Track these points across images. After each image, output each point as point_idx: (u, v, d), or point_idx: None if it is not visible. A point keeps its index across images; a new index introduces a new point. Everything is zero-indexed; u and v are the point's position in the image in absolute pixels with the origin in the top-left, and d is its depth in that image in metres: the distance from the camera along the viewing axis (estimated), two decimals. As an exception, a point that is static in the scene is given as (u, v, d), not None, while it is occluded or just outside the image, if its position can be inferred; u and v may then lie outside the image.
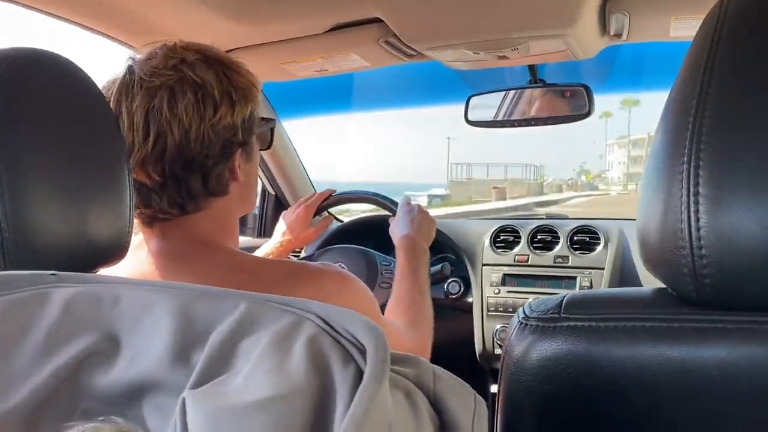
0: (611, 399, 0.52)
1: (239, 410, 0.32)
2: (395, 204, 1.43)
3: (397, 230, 1.28)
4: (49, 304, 0.46)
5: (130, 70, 0.81)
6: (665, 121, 0.52)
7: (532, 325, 0.56)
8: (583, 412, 0.54)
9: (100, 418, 0.39)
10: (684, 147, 0.48)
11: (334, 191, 1.52)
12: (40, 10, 1.08)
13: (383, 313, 1.07)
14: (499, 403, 0.58)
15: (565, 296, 0.57)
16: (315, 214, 1.47)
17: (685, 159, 0.48)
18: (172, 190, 0.81)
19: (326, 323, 0.40)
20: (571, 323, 0.54)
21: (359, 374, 0.35)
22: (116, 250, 0.67)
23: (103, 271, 0.68)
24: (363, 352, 0.37)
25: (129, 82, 0.80)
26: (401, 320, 1.08)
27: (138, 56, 0.83)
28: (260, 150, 0.95)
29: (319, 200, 1.47)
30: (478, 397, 0.41)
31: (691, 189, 0.47)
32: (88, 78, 0.66)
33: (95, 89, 0.66)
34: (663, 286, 0.57)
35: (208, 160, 0.81)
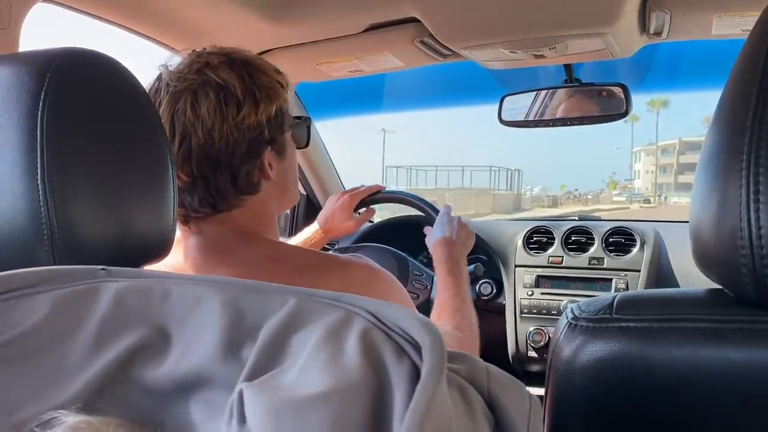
0: (665, 400, 0.51)
1: (299, 404, 0.32)
2: (437, 212, 1.42)
3: (434, 235, 1.27)
4: (100, 299, 0.46)
5: (159, 77, 0.84)
6: (721, 119, 0.51)
7: (582, 326, 0.55)
8: (635, 414, 0.53)
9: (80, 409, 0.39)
10: (743, 145, 0.47)
11: (384, 188, 1.51)
12: (86, 13, 1.10)
13: None
14: (547, 404, 0.57)
15: (616, 296, 0.56)
16: (358, 207, 1.47)
17: (744, 157, 0.47)
18: (202, 190, 0.83)
19: (376, 318, 0.40)
20: (624, 324, 0.53)
21: (415, 370, 0.35)
22: (161, 246, 0.68)
23: (148, 266, 0.68)
24: (416, 347, 0.36)
25: (157, 88, 0.83)
26: (447, 324, 1.07)
27: (170, 63, 0.86)
28: (297, 149, 0.96)
29: (366, 192, 1.46)
30: (533, 396, 0.41)
31: (751, 188, 0.46)
32: (134, 78, 0.66)
33: (141, 90, 0.67)
34: (714, 287, 0.55)
35: (234, 159, 0.82)
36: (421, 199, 1.57)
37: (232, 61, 0.83)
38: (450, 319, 1.10)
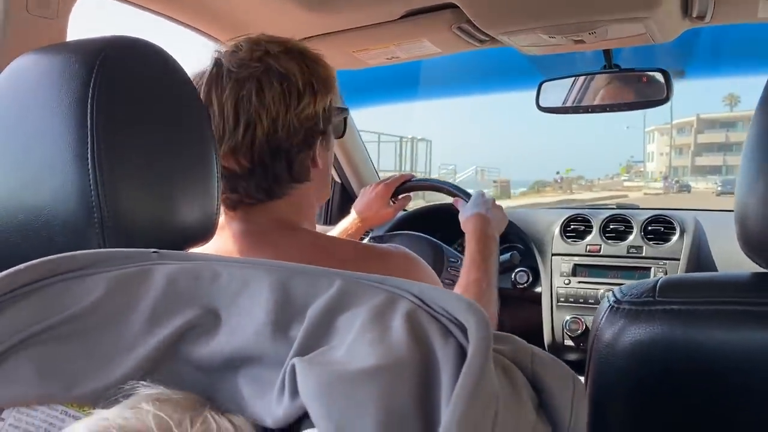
0: (709, 383, 0.51)
1: (349, 378, 0.33)
2: (468, 195, 1.43)
3: (468, 211, 1.28)
4: (152, 280, 0.48)
5: (217, 62, 0.85)
6: (765, 107, 0.50)
7: (624, 309, 0.55)
8: (677, 396, 0.53)
9: (149, 384, 0.41)
10: None
11: (413, 176, 1.52)
12: (131, 3, 1.12)
13: None
14: (588, 387, 0.58)
15: (659, 279, 0.56)
16: (392, 196, 1.48)
17: None
18: (260, 177, 0.85)
19: (421, 300, 0.41)
20: (668, 306, 0.53)
21: (460, 350, 0.35)
22: (205, 231, 0.69)
23: (193, 250, 0.70)
24: (462, 328, 0.37)
25: (218, 74, 0.84)
26: None
27: (224, 49, 0.87)
28: (337, 138, 0.97)
29: (399, 181, 1.47)
30: (577, 377, 0.41)
31: None
32: (180, 67, 0.68)
33: (186, 78, 0.68)
34: (759, 271, 0.55)
35: (293, 147, 0.84)
36: (453, 185, 1.58)
37: (289, 50, 0.85)
38: (476, 300, 1.10)
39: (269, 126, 0.82)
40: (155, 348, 0.44)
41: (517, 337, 0.42)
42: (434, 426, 0.31)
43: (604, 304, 0.58)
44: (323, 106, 0.86)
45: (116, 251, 0.51)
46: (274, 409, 0.39)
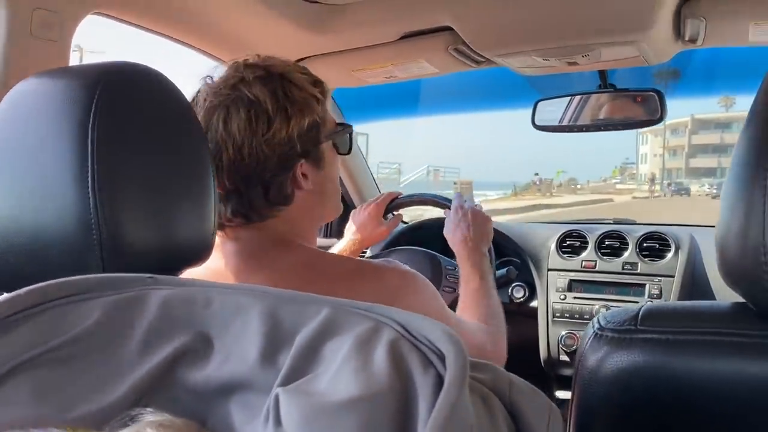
0: (688, 412, 0.52)
1: (330, 409, 0.35)
2: (449, 201, 1.44)
3: (453, 238, 1.28)
4: (147, 305, 0.49)
5: (199, 90, 0.87)
6: (748, 132, 0.51)
7: (607, 336, 0.56)
8: (657, 425, 0.54)
9: (154, 411, 0.42)
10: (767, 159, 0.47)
11: (400, 194, 1.54)
12: (132, 24, 1.14)
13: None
14: (572, 412, 0.59)
15: (641, 307, 0.58)
16: (384, 214, 1.50)
17: None
18: (236, 202, 0.85)
19: (405, 329, 0.42)
20: (648, 335, 0.54)
21: (439, 379, 0.37)
22: (202, 251, 0.71)
23: (188, 271, 0.72)
24: (442, 357, 0.38)
25: (196, 101, 0.86)
26: (472, 320, 1.08)
27: (211, 76, 0.88)
28: (340, 154, 0.96)
29: (388, 199, 1.49)
30: (553, 405, 0.42)
31: None
32: (180, 92, 0.69)
33: (185, 102, 0.70)
34: (741, 299, 0.56)
35: (265, 173, 0.84)
36: (435, 196, 1.62)
37: (269, 75, 0.84)
38: (474, 310, 1.11)
39: (235, 154, 0.82)
40: (149, 372, 0.45)
41: (496, 366, 0.43)
42: None
43: (589, 330, 0.59)
44: (299, 130, 0.84)
45: (113, 277, 0.53)
46: None
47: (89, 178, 0.61)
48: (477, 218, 1.29)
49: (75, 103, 0.62)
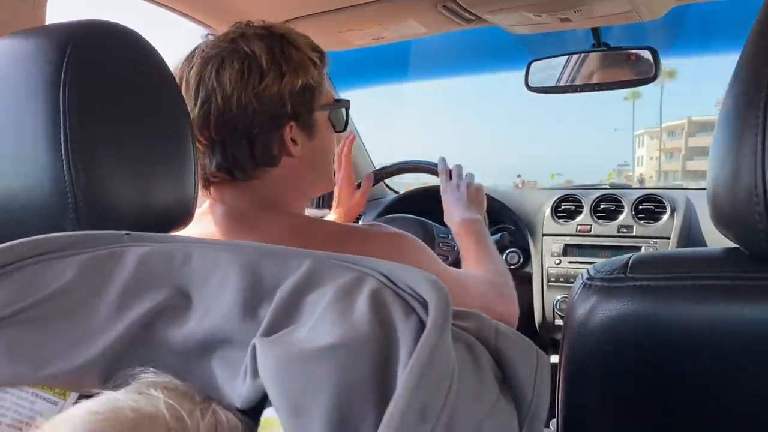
0: (679, 358, 0.51)
1: (307, 356, 0.33)
2: (435, 166, 1.40)
3: (450, 217, 1.24)
4: (123, 262, 0.48)
5: (198, 45, 0.86)
6: (739, 77, 0.50)
7: (596, 286, 0.55)
8: (649, 372, 0.53)
9: (156, 372, 0.41)
10: (759, 101, 0.46)
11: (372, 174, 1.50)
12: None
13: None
14: (562, 364, 0.58)
15: (631, 256, 0.56)
16: (373, 184, 1.47)
17: (760, 113, 0.46)
18: (220, 155, 0.84)
19: (388, 279, 0.41)
20: (638, 283, 0.53)
21: (421, 325, 0.36)
22: (182, 215, 0.69)
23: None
24: (424, 304, 0.37)
25: (192, 54, 0.85)
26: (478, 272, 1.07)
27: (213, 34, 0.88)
28: (336, 132, 0.95)
29: (349, 165, 1.43)
30: (541, 352, 0.41)
31: (766, 146, 0.45)
32: (154, 50, 0.67)
33: (160, 60, 0.68)
34: (733, 245, 0.55)
35: (252, 127, 0.83)
36: (419, 161, 1.61)
37: (270, 34, 0.84)
38: (482, 269, 1.08)
39: (224, 104, 0.81)
40: (126, 330, 0.44)
41: (482, 314, 0.42)
42: (389, 399, 0.32)
43: (578, 282, 0.58)
44: (291, 88, 0.84)
45: (88, 234, 0.51)
46: (240, 389, 0.39)
47: (62, 141, 0.59)
48: (471, 191, 1.26)
49: (45, 63, 0.60)
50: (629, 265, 0.55)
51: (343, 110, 0.96)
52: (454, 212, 1.22)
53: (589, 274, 0.58)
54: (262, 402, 0.38)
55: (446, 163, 1.31)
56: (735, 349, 0.50)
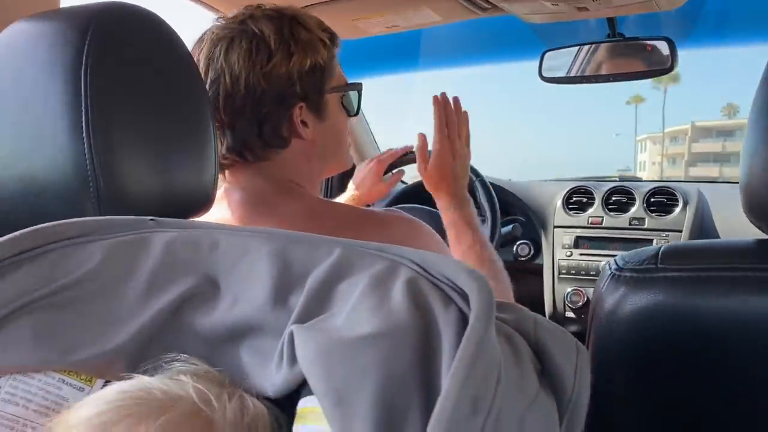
0: (711, 349, 0.51)
1: (349, 344, 0.33)
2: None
3: (436, 186, 1.10)
4: (150, 248, 0.47)
5: (209, 27, 0.85)
6: None
7: (626, 276, 0.54)
8: (679, 363, 0.52)
9: (194, 361, 0.41)
10: None
11: (411, 148, 1.48)
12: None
13: None
14: (588, 353, 0.57)
15: (661, 247, 0.56)
16: (386, 171, 1.46)
17: None
18: (230, 137, 0.84)
19: (422, 268, 0.40)
20: (670, 273, 0.52)
21: (462, 317, 0.35)
22: (203, 200, 0.68)
23: (192, 219, 0.69)
24: (463, 296, 0.36)
25: (203, 35, 0.85)
26: None
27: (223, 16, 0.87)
28: (349, 116, 0.94)
29: (394, 156, 1.45)
30: (580, 344, 0.40)
31: None
32: (175, 33, 0.66)
33: (181, 43, 0.67)
34: (762, 237, 0.54)
35: (261, 108, 0.82)
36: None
37: (280, 15, 0.83)
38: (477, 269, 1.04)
39: (231, 84, 0.81)
40: (153, 317, 0.44)
41: (519, 305, 0.41)
42: (435, 392, 0.31)
43: (606, 272, 0.58)
44: (300, 68, 0.82)
45: (113, 219, 0.51)
46: (274, 378, 0.38)
47: (83, 123, 0.58)
48: (464, 156, 1.11)
49: (66, 47, 0.59)
50: (660, 255, 0.54)
51: (356, 93, 0.94)
52: (444, 184, 1.09)
53: (617, 264, 0.57)
54: (296, 391, 0.37)
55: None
56: (766, 340, 0.49)
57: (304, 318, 0.39)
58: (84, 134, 0.58)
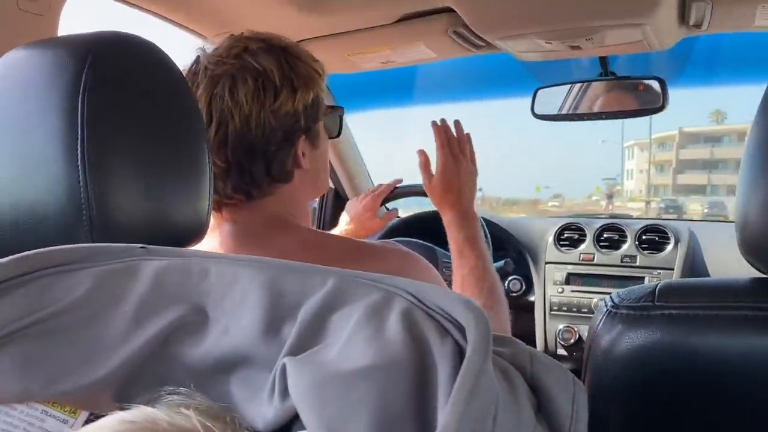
0: (708, 389, 0.50)
1: (343, 378, 0.32)
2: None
3: (441, 201, 1.11)
4: (139, 276, 0.46)
5: (197, 59, 0.84)
6: (766, 112, 0.50)
7: (622, 314, 0.54)
8: (676, 402, 0.52)
9: (190, 392, 0.40)
10: None
11: (401, 180, 1.50)
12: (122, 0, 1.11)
13: None
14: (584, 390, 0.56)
15: (657, 284, 0.55)
16: (381, 205, 1.46)
17: None
18: (237, 177, 0.83)
19: (417, 299, 0.39)
20: (667, 311, 0.52)
21: (458, 349, 0.34)
22: (195, 231, 0.68)
23: None
24: (459, 328, 0.36)
25: (195, 71, 0.83)
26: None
27: (206, 46, 0.86)
28: (330, 138, 0.95)
29: (387, 191, 1.45)
30: (578, 380, 0.40)
31: None
32: (173, 63, 0.67)
33: (179, 74, 0.67)
34: (758, 276, 0.54)
35: (270, 146, 0.82)
36: (409, 186, 1.58)
37: (270, 47, 0.83)
38: (477, 293, 1.03)
39: (242, 124, 0.80)
40: (141, 347, 0.42)
41: (516, 339, 0.40)
42: (431, 427, 0.30)
43: (602, 309, 0.57)
44: (304, 103, 0.83)
45: (103, 246, 0.50)
46: (265, 411, 0.37)
47: (78, 153, 0.58)
48: (467, 172, 1.11)
49: (63, 75, 0.60)
50: (657, 292, 0.54)
51: (338, 117, 0.97)
52: (449, 199, 1.09)
53: (613, 302, 0.57)
54: (287, 425, 0.36)
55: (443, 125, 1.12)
56: (763, 380, 0.49)
57: (296, 349, 0.38)
58: (79, 162, 0.58)
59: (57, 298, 0.44)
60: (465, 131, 1.12)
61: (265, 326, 0.41)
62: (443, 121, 1.11)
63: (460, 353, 0.34)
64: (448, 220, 1.10)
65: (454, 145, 1.09)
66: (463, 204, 1.09)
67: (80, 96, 0.58)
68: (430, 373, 0.33)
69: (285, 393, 0.35)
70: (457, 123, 1.11)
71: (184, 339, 0.43)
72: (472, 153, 1.12)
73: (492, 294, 1.03)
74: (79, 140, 0.58)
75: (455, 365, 0.33)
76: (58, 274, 0.46)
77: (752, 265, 0.54)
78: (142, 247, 0.50)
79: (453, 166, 1.09)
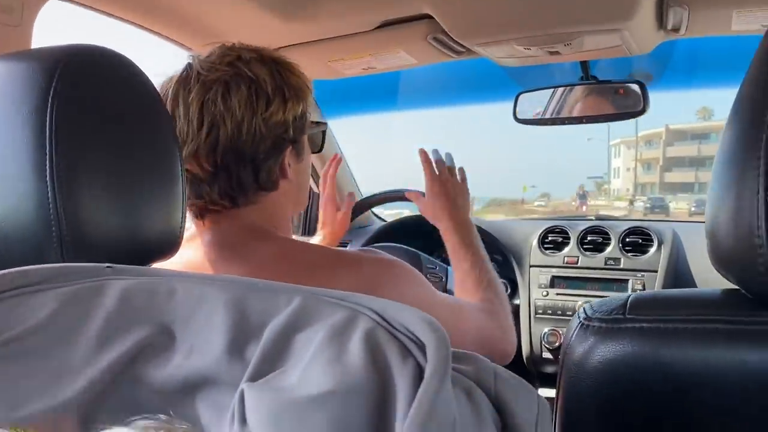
0: (679, 402, 0.50)
1: (299, 405, 0.32)
2: (402, 191, 1.39)
3: (434, 213, 1.18)
4: (105, 296, 0.46)
5: (188, 66, 0.84)
6: (737, 115, 0.50)
7: (594, 327, 0.54)
8: (649, 416, 0.52)
9: (160, 416, 0.39)
10: (759, 141, 0.46)
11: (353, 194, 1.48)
12: (98, 10, 1.10)
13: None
14: (558, 407, 0.56)
15: (629, 296, 0.55)
16: (352, 218, 1.45)
17: (762, 153, 0.45)
18: (224, 182, 0.83)
19: (382, 318, 0.39)
20: (638, 324, 0.52)
21: (419, 370, 0.34)
22: (169, 245, 0.67)
23: (158, 263, 0.68)
24: (421, 347, 0.36)
25: (187, 76, 0.83)
26: (472, 301, 1.04)
27: (197, 54, 0.86)
28: (312, 153, 0.97)
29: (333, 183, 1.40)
30: (542, 398, 0.40)
31: None
32: (144, 75, 0.66)
33: (150, 86, 0.67)
34: (732, 287, 0.54)
35: (259, 153, 0.83)
36: (396, 190, 1.62)
37: (262, 57, 0.84)
38: (474, 291, 1.06)
39: (233, 129, 0.80)
40: (106, 369, 0.42)
41: (479, 356, 0.40)
42: None
43: (575, 321, 0.57)
44: (294, 114, 0.85)
45: (69, 266, 0.49)
46: None
47: (47, 168, 0.58)
48: (456, 186, 1.18)
49: (32, 88, 0.59)
50: (628, 305, 0.54)
51: (321, 132, 0.99)
52: (438, 211, 1.16)
53: (586, 314, 0.57)
54: None
55: (438, 155, 1.21)
56: (736, 394, 0.49)
57: (259, 372, 0.38)
58: (48, 177, 0.57)
59: (21, 321, 0.44)
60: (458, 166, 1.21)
61: (229, 347, 0.41)
62: (435, 152, 1.20)
63: (420, 374, 0.34)
64: (443, 228, 1.16)
65: (443, 170, 1.18)
66: (455, 214, 1.15)
67: (48, 110, 0.58)
68: (389, 395, 0.33)
69: (243, 420, 0.34)
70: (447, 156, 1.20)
71: (150, 360, 0.42)
72: (462, 171, 1.20)
73: (491, 287, 1.07)
74: (47, 155, 0.57)
75: (414, 385, 0.32)
76: (23, 295, 0.46)
77: (722, 275, 0.54)
78: (108, 267, 0.50)
79: (439, 183, 1.17)
